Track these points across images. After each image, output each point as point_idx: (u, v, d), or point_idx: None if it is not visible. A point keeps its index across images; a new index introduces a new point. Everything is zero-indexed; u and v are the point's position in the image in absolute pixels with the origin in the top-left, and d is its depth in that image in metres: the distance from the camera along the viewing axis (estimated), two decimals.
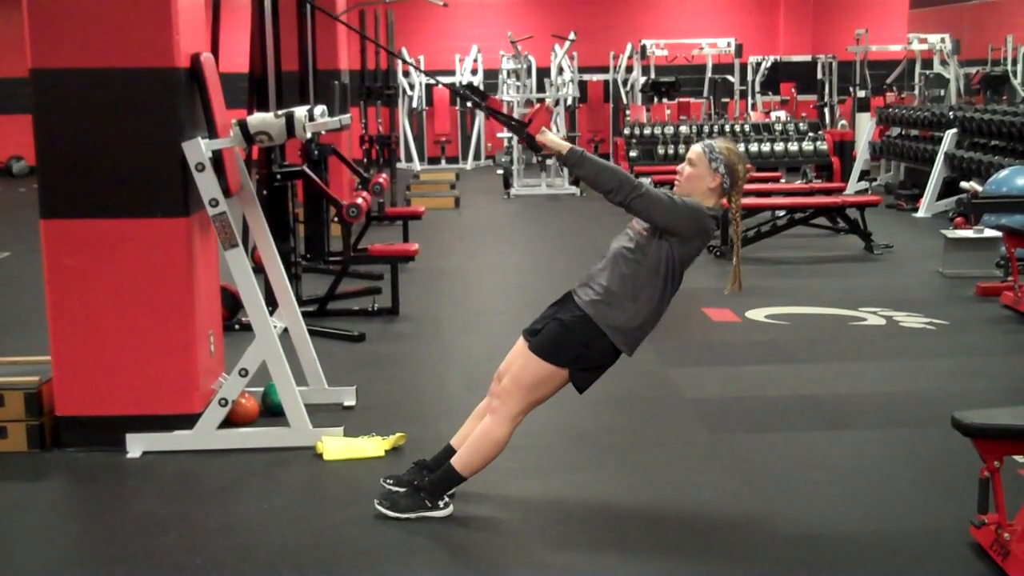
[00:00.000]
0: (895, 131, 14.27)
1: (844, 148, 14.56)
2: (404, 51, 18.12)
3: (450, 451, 4.03)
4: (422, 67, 18.87)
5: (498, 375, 3.94)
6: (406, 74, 18.52)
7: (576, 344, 3.76)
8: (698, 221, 3.75)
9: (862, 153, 14.50)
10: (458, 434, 4.09)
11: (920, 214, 12.10)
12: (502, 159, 18.21)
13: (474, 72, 18.93)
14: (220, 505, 4.17)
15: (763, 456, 4.61)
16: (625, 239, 3.84)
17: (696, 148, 3.85)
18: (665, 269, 3.77)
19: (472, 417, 4.07)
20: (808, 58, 18.80)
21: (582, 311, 3.77)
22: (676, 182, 3.87)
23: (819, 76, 17.44)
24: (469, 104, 4.05)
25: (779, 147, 14.01)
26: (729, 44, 17.67)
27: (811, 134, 14.21)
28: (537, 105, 3.99)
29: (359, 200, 7.28)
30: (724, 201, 3.91)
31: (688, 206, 3.74)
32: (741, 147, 13.90)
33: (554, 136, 3.87)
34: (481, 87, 18.73)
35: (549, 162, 15.31)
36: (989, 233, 8.43)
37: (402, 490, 4.02)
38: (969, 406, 3.97)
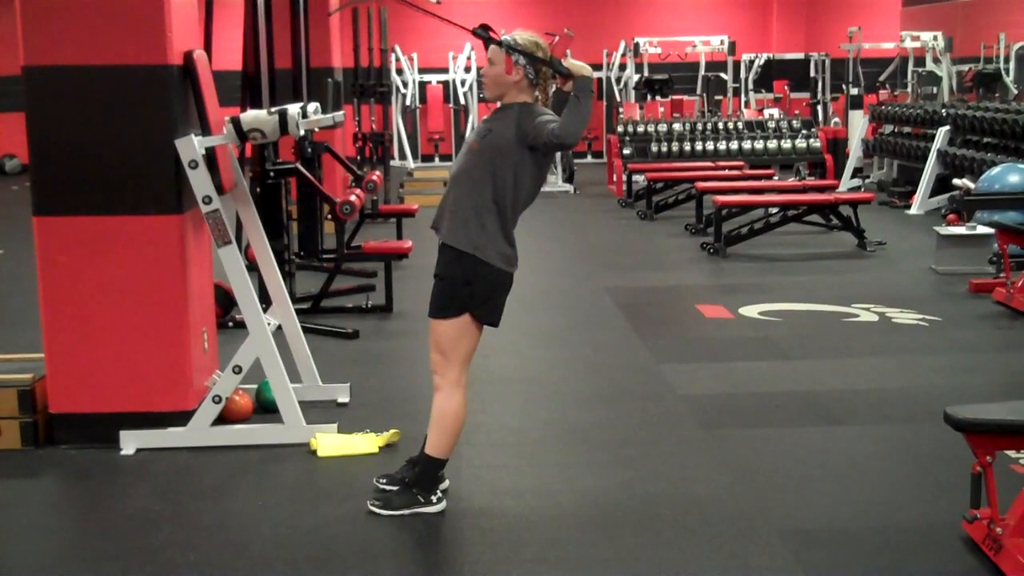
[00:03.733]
0: (888, 128, 14.28)
1: (837, 145, 14.59)
2: (397, 49, 18.11)
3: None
4: (415, 65, 18.86)
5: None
6: (399, 71, 18.52)
7: (459, 286, 3.82)
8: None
9: (855, 150, 14.52)
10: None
11: (913, 211, 12.12)
12: None
13: (467, 70, 18.94)
14: (214, 502, 4.17)
15: (756, 452, 4.62)
16: (461, 158, 3.88)
17: (492, 46, 3.83)
18: (510, 173, 3.76)
19: None
20: (801, 56, 18.82)
21: (449, 248, 3.82)
22: (484, 87, 3.88)
23: (812, 74, 17.45)
24: (486, 45, 3.94)
25: (772, 144, 14.04)
26: (722, 42, 17.68)
27: (804, 132, 14.24)
28: (558, 37, 3.94)
29: (352, 197, 7.28)
30: (537, 94, 3.85)
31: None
32: (734, 144, 14.03)
33: (575, 60, 3.81)
34: (474, 85, 18.76)
35: None
36: (981, 230, 8.44)
37: (395, 488, 4.03)
38: (962, 401, 3.98)
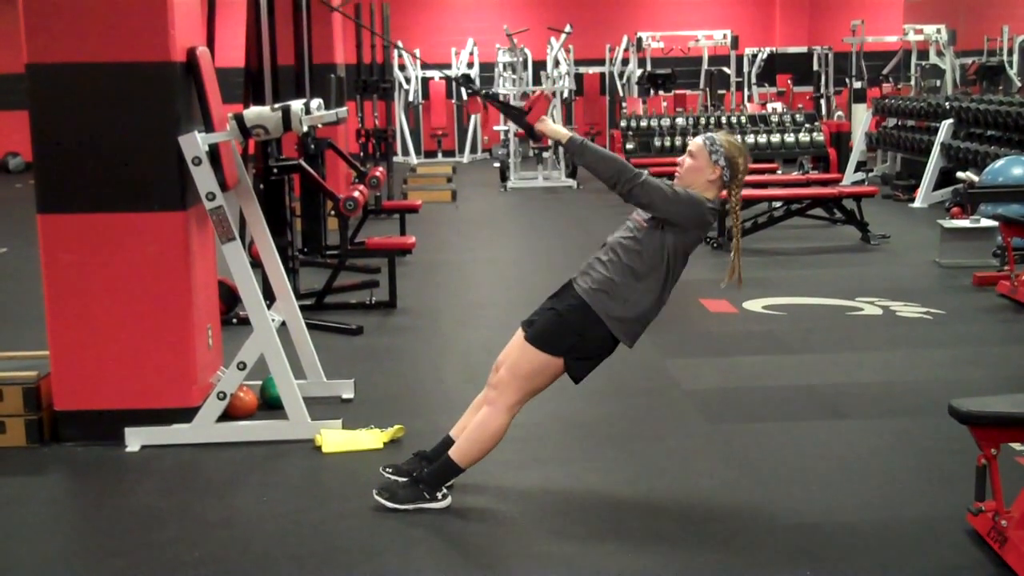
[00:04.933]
0: (891, 122, 14.27)
1: (840, 139, 14.59)
2: (400, 44, 18.10)
3: (449, 442, 4.04)
4: (418, 61, 18.84)
5: (496, 365, 3.95)
6: (402, 68, 18.51)
7: (571, 333, 3.78)
8: (697, 212, 3.78)
9: (858, 144, 14.51)
10: (457, 425, 4.10)
11: (916, 204, 12.11)
12: (499, 152, 18.20)
13: (470, 65, 18.90)
14: (219, 498, 4.18)
15: (761, 446, 4.62)
16: (625, 230, 3.87)
17: (697, 140, 3.88)
18: (664, 260, 3.79)
19: (471, 408, 4.09)
20: (804, 49, 18.79)
21: (580, 299, 3.79)
22: (676, 173, 3.88)
23: (815, 67, 17.44)
24: (467, 94, 4.01)
25: (776, 138, 14.03)
26: (725, 36, 17.67)
27: (807, 125, 14.22)
28: (536, 93, 4.01)
29: (356, 194, 7.28)
30: (724, 193, 3.91)
31: (688, 196, 3.77)
32: (738, 138, 14.01)
33: (554, 124, 3.92)
34: (477, 80, 18.74)
35: (546, 155, 15.30)
36: (985, 223, 8.44)
37: (401, 480, 4.03)
38: (966, 394, 3.99)
